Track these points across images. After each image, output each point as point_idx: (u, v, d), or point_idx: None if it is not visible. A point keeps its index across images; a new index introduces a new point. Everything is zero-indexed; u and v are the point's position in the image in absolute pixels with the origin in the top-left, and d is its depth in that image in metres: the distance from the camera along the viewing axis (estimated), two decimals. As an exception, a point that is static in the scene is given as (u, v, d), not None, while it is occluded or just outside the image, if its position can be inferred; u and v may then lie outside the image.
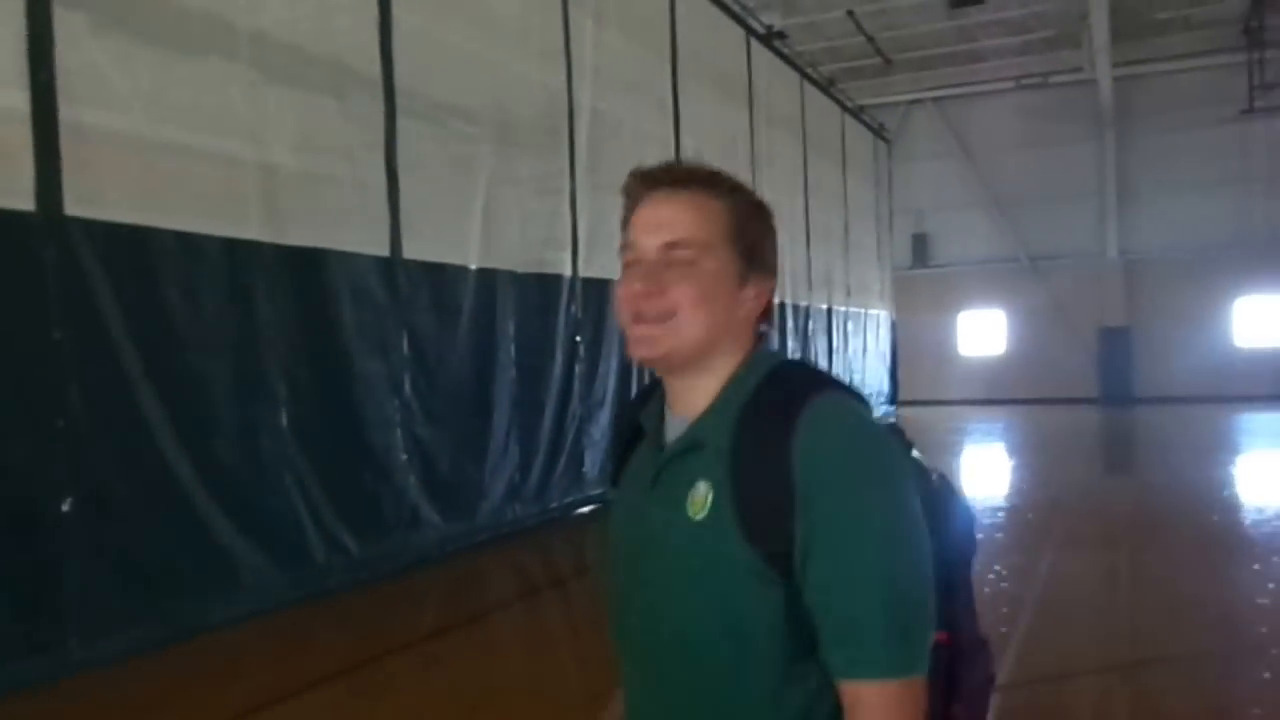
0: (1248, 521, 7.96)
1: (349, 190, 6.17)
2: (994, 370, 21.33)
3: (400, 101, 6.43)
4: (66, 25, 4.43)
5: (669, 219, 1.17)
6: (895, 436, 1.22)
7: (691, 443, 1.17)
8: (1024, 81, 19.95)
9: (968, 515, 1.29)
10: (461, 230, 7.11)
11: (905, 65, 19.93)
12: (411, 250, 6.53)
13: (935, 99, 21.17)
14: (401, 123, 6.45)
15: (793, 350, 13.32)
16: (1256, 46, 17.57)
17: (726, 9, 11.67)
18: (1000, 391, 20.72)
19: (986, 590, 5.55)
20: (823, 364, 14.70)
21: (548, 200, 8.08)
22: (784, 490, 1.07)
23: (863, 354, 17.27)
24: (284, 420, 5.58)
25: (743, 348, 1.21)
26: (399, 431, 6.43)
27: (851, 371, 16.32)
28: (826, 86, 15.95)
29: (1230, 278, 19.31)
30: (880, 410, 16.99)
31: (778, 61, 13.51)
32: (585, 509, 8.35)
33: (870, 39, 17.82)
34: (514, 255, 7.61)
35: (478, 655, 5.01)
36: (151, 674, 4.56)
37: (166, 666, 4.64)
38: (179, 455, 4.93)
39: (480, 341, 7.24)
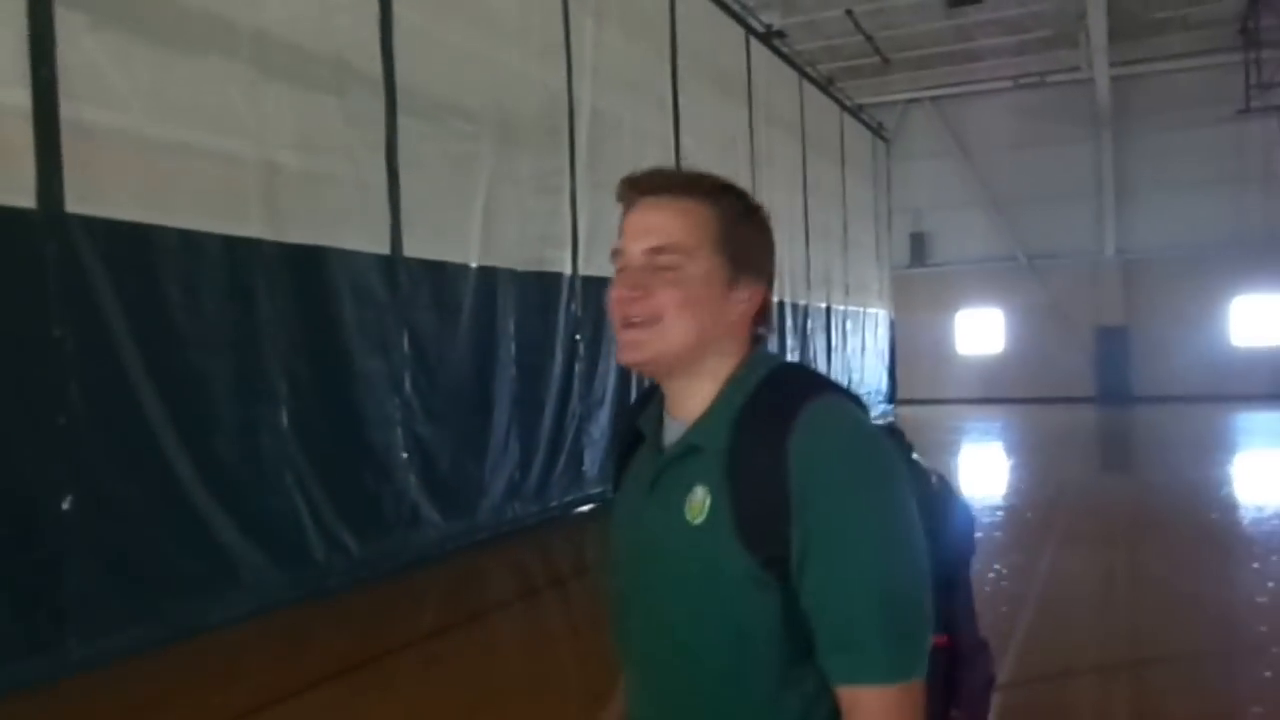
0: (1246, 520, 7.98)
1: (350, 188, 6.16)
2: (992, 369, 21.36)
3: (401, 100, 6.43)
4: (68, 23, 4.42)
5: (654, 224, 1.18)
6: (895, 438, 1.22)
7: (689, 447, 1.17)
8: (1021, 81, 19.97)
9: (967, 517, 1.29)
10: (462, 228, 7.10)
11: (903, 64, 19.94)
12: (412, 248, 6.52)
13: (933, 98, 21.20)
14: (402, 121, 6.44)
15: (792, 349, 13.33)
16: (1253, 46, 17.59)
17: (726, 8, 11.67)
18: (998, 390, 20.75)
19: (987, 589, 5.55)
20: (821, 363, 14.71)
21: (548, 198, 8.08)
22: (780, 495, 1.07)
23: (861, 353, 17.28)
24: (284, 419, 5.57)
25: (739, 351, 1.20)
26: (399, 430, 6.42)
27: (850, 370, 16.33)
28: (825, 85, 15.95)
29: (1227, 277, 19.35)
30: (879, 409, 17.01)
31: (777, 60, 13.50)
32: (585, 508, 8.35)
33: (869, 38, 17.83)
34: (514, 253, 7.61)
35: (478, 654, 5.00)
36: (151, 674, 4.55)
37: (166, 666, 4.63)
38: (179, 454, 4.92)
39: (480, 340, 7.23)
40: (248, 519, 5.27)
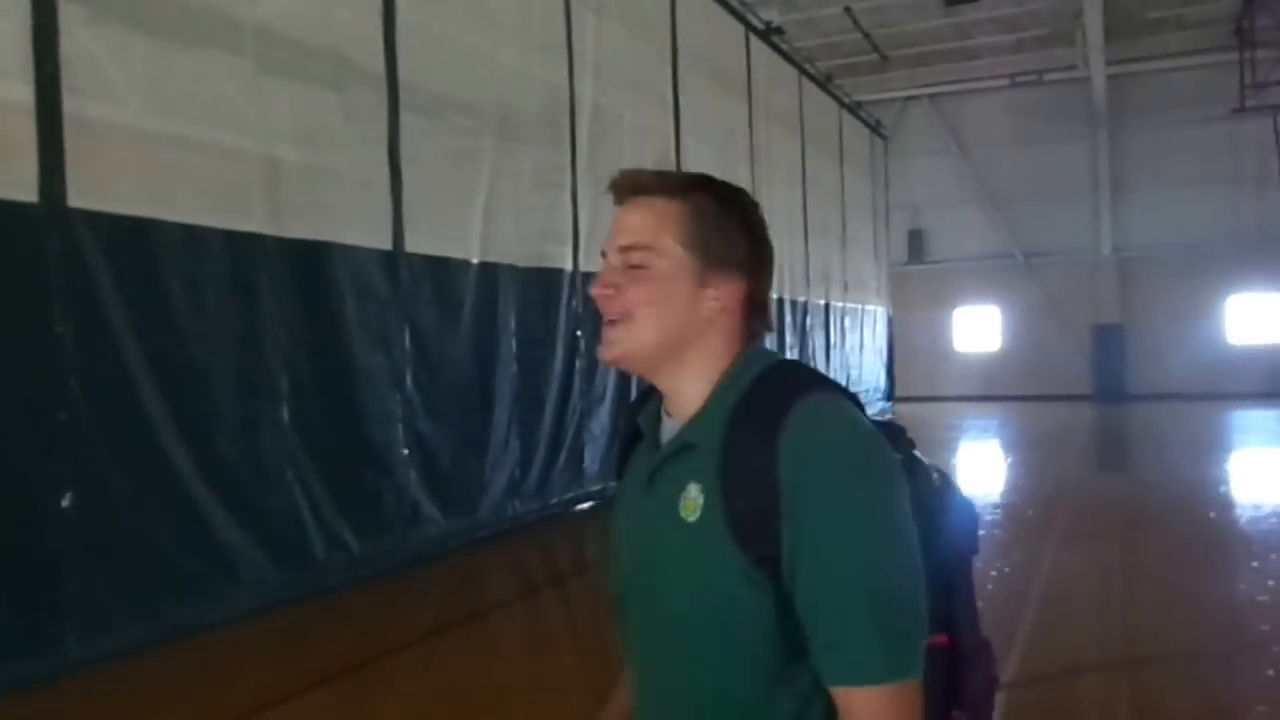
0: (1244, 518, 8.00)
1: (352, 183, 6.14)
2: (989, 366, 21.39)
3: (403, 95, 6.40)
4: (70, 18, 4.39)
5: (628, 224, 1.19)
6: (896, 435, 1.21)
7: (683, 444, 1.17)
8: (1018, 79, 19.97)
9: (970, 514, 1.27)
10: (463, 224, 7.08)
11: (901, 62, 19.93)
12: (414, 244, 6.50)
13: (931, 96, 21.20)
14: (404, 117, 6.41)
15: (791, 345, 13.33)
16: (1248, 46, 17.62)
17: (726, 4, 11.66)
18: (995, 388, 20.78)
19: (989, 587, 5.55)
20: (820, 360, 14.72)
21: (549, 194, 8.06)
22: (771, 493, 1.06)
23: (860, 350, 17.30)
24: (285, 415, 5.54)
25: (729, 347, 1.20)
26: (400, 427, 6.40)
27: (849, 367, 16.34)
28: (824, 82, 15.95)
29: (1223, 275, 19.41)
30: (877, 406, 17.02)
31: (776, 57, 13.50)
32: (585, 505, 8.33)
33: (867, 35, 17.82)
34: (515, 249, 7.59)
35: (479, 653, 4.99)
36: (151, 673, 4.52)
37: (166, 665, 4.60)
38: (179, 450, 4.89)
39: (482, 336, 7.21)
40: (248, 516, 5.25)
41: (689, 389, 1.19)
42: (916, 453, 1.23)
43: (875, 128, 19.30)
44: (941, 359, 21.77)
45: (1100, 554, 6.81)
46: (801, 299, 14.05)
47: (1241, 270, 19.26)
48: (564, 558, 7.46)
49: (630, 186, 1.21)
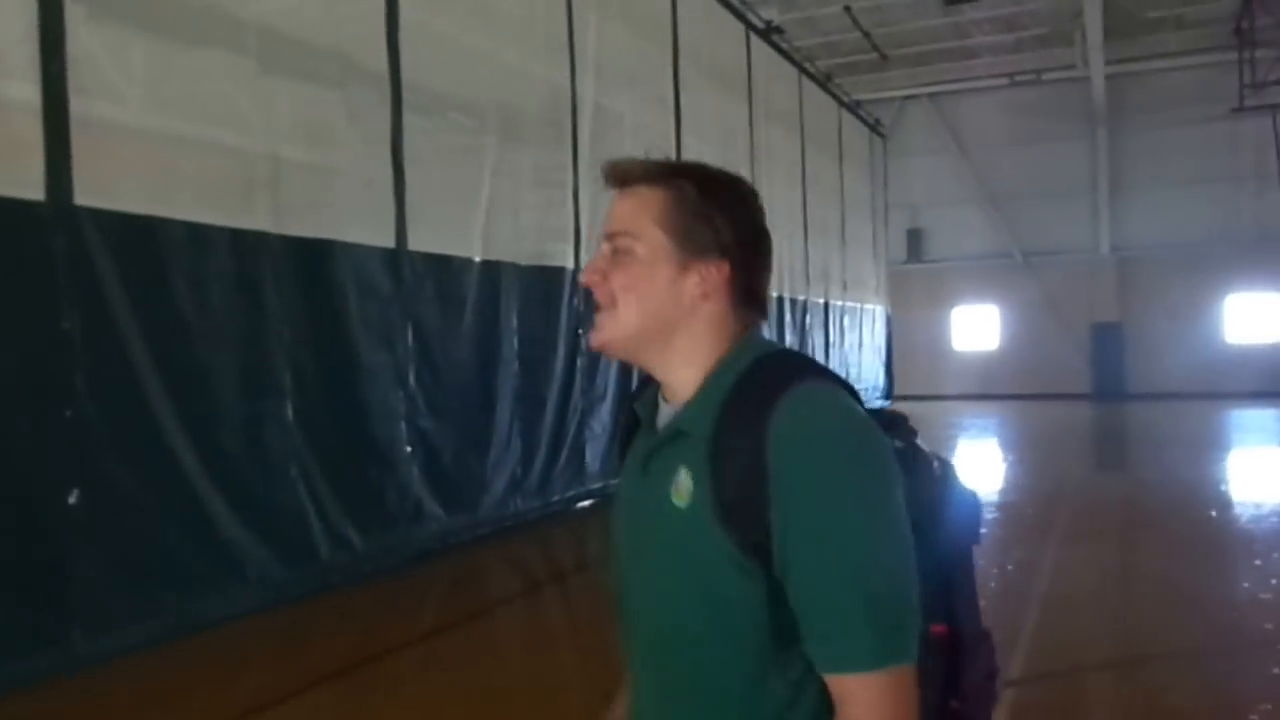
0: (1245, 517, 8.01)
1: (355, 182, 6.16)
2: (988, 365, 21.41)
3: (406, 95, 6.41)
4: (77, 18, 4.39)
5: (615, 212, 1.21)
6: (899, 424, 1.22)
7: (677, 430, 1.17)
8: (1017, 78, 19.99)
9: (972, 503, 1.26)
10: (466, 223, 7.10)
11: (900, 61, 19.94)
12: (416, 242, 6.51)
13: (930, 95, 21.21)
14: (407, 116, 6.43)
15: (790, 344, 13.30)
16: (1247, 45, 17.64)
17: (726, 3, 11.67)
18: (994, 387, 20.80)
19: (992, 585, 5.57)
20: (820, 358, 14.70)
21: (551, 193, 8.08)
22: (759, 480, 1.06)
23: (859, 348, 17.32)
24: (289, 412, 5.56)
25: (721, 335, 1.19)
26: (403, 424, 6.41)
27: (848, 366, 16.35)
28: (824, 81, 15.96)
29: (1221, 275, 19.45)
30: (876, 404, 17.00)
31: (776, 56, 13.51)
32: (586, 503, 8.35)
33: (866, 34, 17.82)
34: (517, 248, 7.61)
35: (481, 651, 5.00)
36: (156, 670, 4.52)
37: (171, 662, 4.61)
38: (185, 447, 4.91)
39: (484, 334, 7.23)
40: (253, 513, 5.26)
41: (681, 375, 1.19)
42: (918, 441, 1.23)
43: (874, 127, 19.32)
44: (940, 358, 21.79)
45: (1101, 553, 6.82)
46: (801, 298, 14.07)
47: (1240, 269, 19.30)
48: (565, 555, 7.47)
49: (620, 176, 1.22)
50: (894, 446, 1.17)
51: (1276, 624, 4.94)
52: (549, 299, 8.01)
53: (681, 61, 10.10)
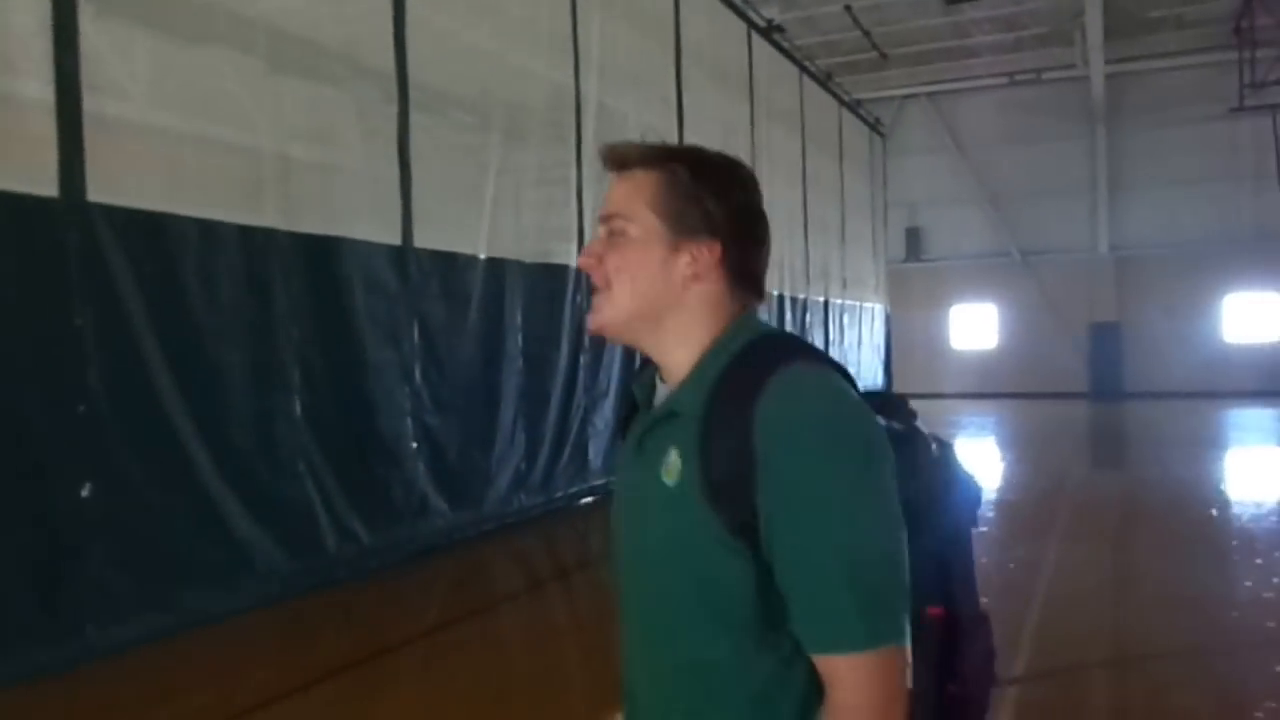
0: (1246, 516, 8.03)
1: (362, 179, 6.20)
2: (986, 364, 21.46)
3: (413, 93, 6.44)
4: (90, 16, 4.43)
5: (611, 195, 1.22)
6: (899, 406, 1.24)
7: (670, 411, 1.18)
8: (1017, 77, 20.03)
9: (970, 487, 1.27)
10: (471, 220, 7.15)
11: (900, 60, 19.97)
12: (422, 239, 6.55)
13: (929, 94, 21.25)
14: (414, 114, 6.46)
15: (790, 341, 13.35)
16: (1247, 45, 17.66)
17: (728, 2, 11.69)
18: (992, 385, 20.84)
19: (994, 583, 5.58)
20: (819, 357, 14.71)
21: (554, 191, 8.12)
22: (746, 461, 1.06)
23: (858, 346, 17.36)
24: (297, 408, 5.59)
25: (714, 316, 1.20)
26: (409, 420, 6.45)
27: (847, 364, 16.14)
28: (824, 80, 15.98)
29: (1219, 274, 19.49)
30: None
31: (777, 55, 13.53)
32: (589, 499, 8.39)
33: (866, 33, 17.85)
34: (521, 245, 7.65)
35: (485, 645, 5.03)
36: (167, 662, 4.56)
37: (181, 655, 4.64)
38: (196, 442, 4.94)
39: (489, 331, 7.27)
40: (262, 508, 5.30)
41: (677, 356, 1.20)
42: (918, 424, 1.24)
43: (874, 126, 19.35)
44: (939, 356, 21.84)
45: (1102, 551, 6.83)
46: (801, 296, 14.11)
47: (1238, 269, 19.35)
48: (568, 551, 7.51)
49: (617, 159, 1.23)
50: (892, 428, 1.19)
51: (1279, 622, 4.96)
52: (553, 296, 8.05)
53: (684, 60, 10.13)
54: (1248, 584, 5.77)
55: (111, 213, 4.52)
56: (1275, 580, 5.74)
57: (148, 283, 4.70)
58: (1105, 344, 20.20)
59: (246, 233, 5.31)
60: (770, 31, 13.14)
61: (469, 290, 7.05)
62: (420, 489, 6.53)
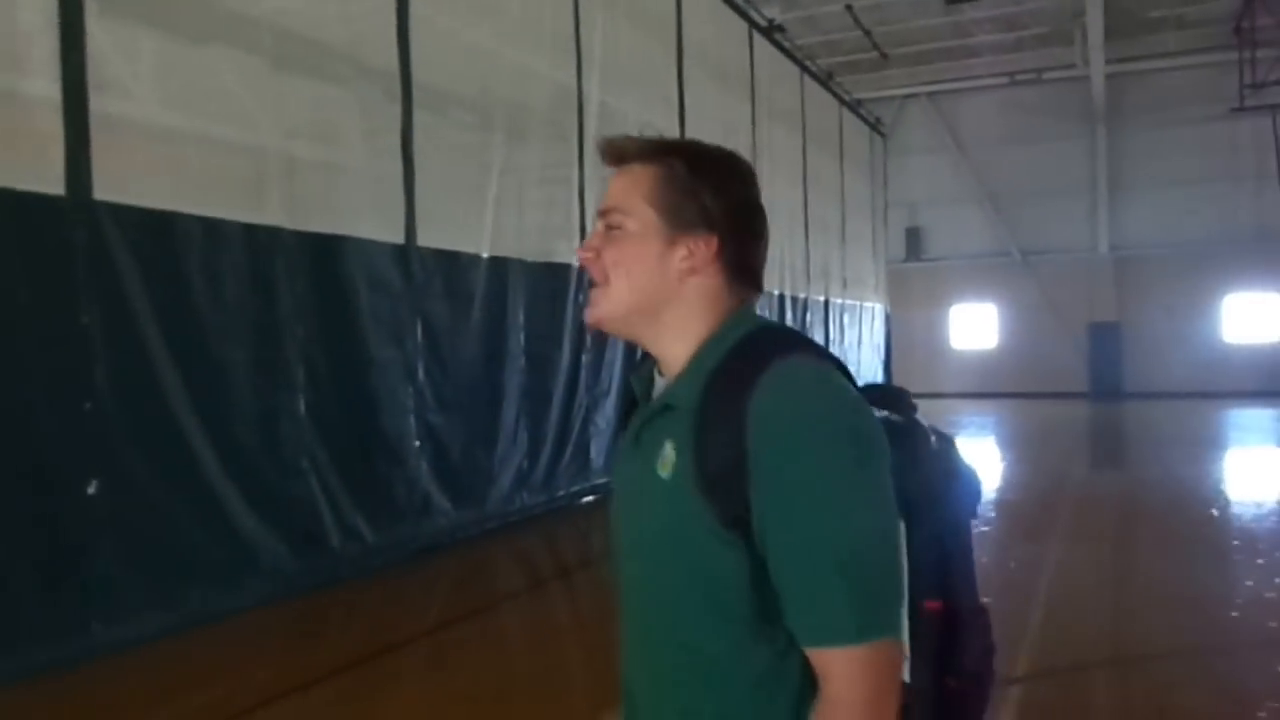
0: (1247, 516, 8.04)
1: (366, 178, 6.22)
2: (986, 364, 21.47)
3: (416, 93, 6.46)
4: (97, 16, 4.44)
5: (609, 190, 1.23)
6: (899, 398, 1.24)
7: (666, 404, 1.18)
8: (1017, 77, 20.05)
9: (970, 479, 1.26)
10: (473, 219, 7.16)
11: (901, 60, 19.99)
12: (425, 238, 6.57)
13: (930, 94, 21.27)
14: (417, 114, 6.47)
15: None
16: (1247, 45, 17.68)
17: (730, 1, 11.71)
18: (992, 385, 20.86)
19: (995, 583, 5.59)
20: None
21: (556, 190, 8.14)
22: (739, 454, 1.06)
23: (858, 346, 17.39)
24: (301, 406, 5.61)
25: (712, 310, 1.20)
26: (412, 418, 6.47)
27: (847, 363, 16.31)
28: (825, 80, 16.00)
29: (1219, 274, 19.51)
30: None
31: (778, 55, 13.55)
32: (591, 498, 8.40)
33: (867, 33, 17.86)
34: (524, 244, 7.67)
35: (488, 643, 5.05)
36: (173, 658, 4.57)
37: (186, 652, 4.66)
38: (201, 440, 4.96)
39: (491, 329, 7.29)
40: (266, 506, 5.32)
41: (674, 350, 1.20)
42: (918, 416, 1.24)
43: (875, 125, 19.36)
44: (938, 356, 21.85)
45: (1103, 551, 6.84)
46: (801, 295, 14.13)
47: (1238, 269, 19.37)
48: (570, 550, 7.52)
49: (615, 153, 1.24)
50: (892, 420, 1.19)
51: None
52: (555, 295, 8.06)
53: (686, 60, 10.15)
54: (1248, 584, 5.77)
55: (118, 211, 4.54)
56: (1276, 580, 5.74)
57: (153, 281, 4.72)
58: (1105, 344, 20.22)
59: (251, 231, 5.33)
60: (771, 31, 13.16)
61: (472, 289, 7.06)
62: (423, 487, 6.55)
